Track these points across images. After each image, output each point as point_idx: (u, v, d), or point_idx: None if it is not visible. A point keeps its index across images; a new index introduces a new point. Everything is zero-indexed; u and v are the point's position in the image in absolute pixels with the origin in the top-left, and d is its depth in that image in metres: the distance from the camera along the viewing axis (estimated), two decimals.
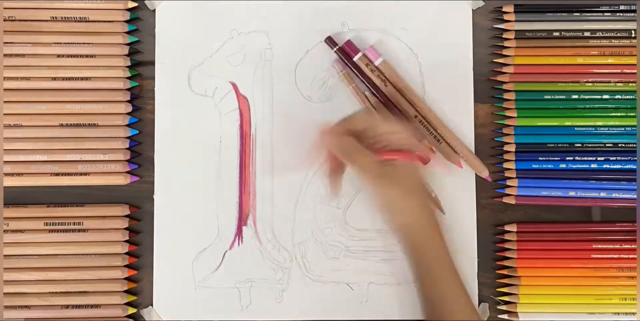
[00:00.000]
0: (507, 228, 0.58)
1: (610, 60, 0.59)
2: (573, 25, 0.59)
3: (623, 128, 0.58)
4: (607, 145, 0.58)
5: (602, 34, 0.59)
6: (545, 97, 0.59)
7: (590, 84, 0.59)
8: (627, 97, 0.59)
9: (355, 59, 0.58)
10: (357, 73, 0.58)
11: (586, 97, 0.59)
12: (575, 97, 0.59)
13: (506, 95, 0.59)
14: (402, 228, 0.50)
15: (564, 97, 0.59)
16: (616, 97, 0.59)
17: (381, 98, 0.58)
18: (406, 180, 0.50)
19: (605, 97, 0.59)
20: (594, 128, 0.58)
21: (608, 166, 0.58)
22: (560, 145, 0.58)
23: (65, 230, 0.57)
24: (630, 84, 0.59)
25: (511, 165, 0.58)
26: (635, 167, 0.58)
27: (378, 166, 0.49)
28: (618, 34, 0.59)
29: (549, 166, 0.58)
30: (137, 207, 0.58)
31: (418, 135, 0.55)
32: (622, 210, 0.58)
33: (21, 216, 0.57)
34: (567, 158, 0.58)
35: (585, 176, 0.58)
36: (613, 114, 0.59)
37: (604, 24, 0.59)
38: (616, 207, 0.58)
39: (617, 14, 0.59)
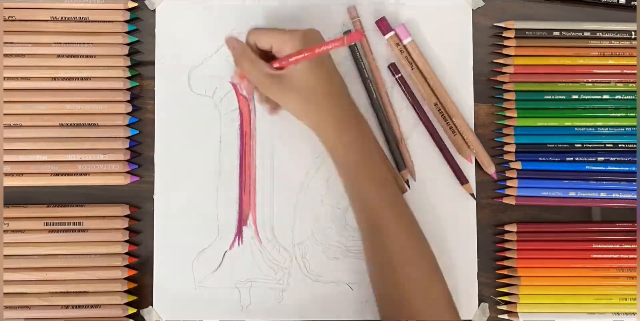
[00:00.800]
0: (507, 228, 0.58)
1: (611, 61, 0.59)
2: (573, 25, 0.59)
3: (623, 129, 0.58)
4: (607, 145, 0.58)
5: (602, 34, 0.59)
6: (545, 97, 0.59)
7: (590, 84, 0.59)
8: (627, 97, 0.59)
9: (386, 37, 0.59)
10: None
11: (586, 97, 0.59)
12: (575, 97, 0.59)
13: (506, 95, 0.59)
14: (315, 130, 0.53)
15: (564, 97, 0.59)
16: (616, 97, 0.59)
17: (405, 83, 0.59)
18: (299, 85, 0.51)
19: (605, 97, 0.59)
20: (594, 129, 0.58)
21: (608, 167, 0.58)
22: (560, 145, 0.58)
23: (65, 230, 0.57)
24: (630, 84, 0.59)
25: (511, 165, 0.58)
26: (635, 167, 0.58)
27: (269, 75, 0.51)
28: (618, 35, 0.59)
29: (549, 166, 0.58)
30: (137, 207, 0.58)
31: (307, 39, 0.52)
32: (622, 210, 0.59)
33: (21, 216, 0.57)
34: (567, 158, 0.58)
35: (585, 176, 0.58)
36: (613, 114, 0.59)
37: (604, 24, 0.59)
38: (616, 207, 0.58)
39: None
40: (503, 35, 0.59)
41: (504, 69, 0.59)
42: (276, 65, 0.52)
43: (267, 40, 0.52)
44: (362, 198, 0.52)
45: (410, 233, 0.52)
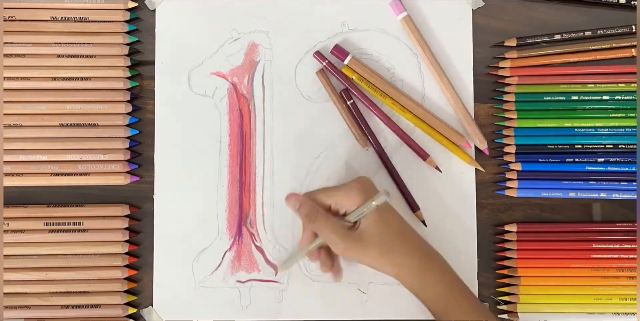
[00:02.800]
0: (507, 228, 0.58)
1: (611, 62, 0.59)
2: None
3: (623, 129, 0.58)
4: (607, 146, 0.58)
5: (604, 31, 0.59)
6: (545, 98, 0.59)
7: (590, 85, 0.59)
8: (627, 97, 0.59)
9: (345, 62, 0.58)
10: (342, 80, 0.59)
11: (586, 98, 0.59)
12: (575, 98, 0.59)
13: (506, 97, 0.59)
14: (398, 277, 0.52)
15: (563, 98, 0.59)
16: (616, 97, 0.59)
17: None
18: (374, 236, 0.51)
19: (605, 97, 0.59)
20: (593, 129, 0.58)
21: (608, 167, 0.58)
22: (560, 146, 0.58)
23: (65, 230, 0.57)
24: (631, 85, 0.59)
25: (511, 167, 0.58)
26: (635, 167, 0.58)
27: (342, 228, 0.51)
28: (618, 30, 0.59)
29: (549, 167, 0.58)
30: (137, 207, 0.58)
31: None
32: (622, 210, 0.58)
33: (21, 216, 0.57)
34: (567, 159, 0.58)
35: (585, 177, 0.58)
36: (613, 115, 0.58)
37: (604, 23, 0.59)
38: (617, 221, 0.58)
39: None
40: (505, 44, 0.60)
41: (503, 72, 0.59)
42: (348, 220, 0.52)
43: (325, 200, 0.52)
44: None
45: None
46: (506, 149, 0.59)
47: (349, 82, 0.58)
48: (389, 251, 0.51)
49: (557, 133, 0.58)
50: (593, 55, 0.59)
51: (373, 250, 0.51)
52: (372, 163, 0.59)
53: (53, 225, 0.57)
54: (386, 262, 0.51)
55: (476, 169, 0.59)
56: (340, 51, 0.58)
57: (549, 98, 0.59)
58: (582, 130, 0.58)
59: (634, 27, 0.59)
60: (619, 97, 0.59)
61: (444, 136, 0.58)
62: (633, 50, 0.59)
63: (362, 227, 0.51)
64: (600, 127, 0.58)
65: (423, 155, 0.58)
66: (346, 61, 0.58)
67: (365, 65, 0.58)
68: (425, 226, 0.58)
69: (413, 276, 0.51)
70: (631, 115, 0.58)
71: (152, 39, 0.59)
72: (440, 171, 0.58)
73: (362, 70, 0.58)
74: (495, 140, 0.59)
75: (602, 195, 0.58)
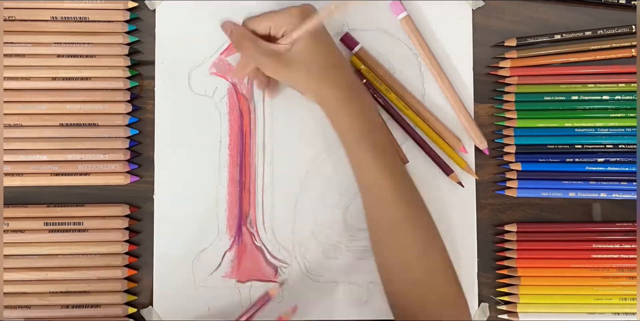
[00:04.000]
0: (507, 228, 0.58)
1: (611, 62, 0.59)
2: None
3: (623, 129, 0.58)
4: (607, 146, 0.58)
5: (604, 31, 0.59)
6: (545, 98, 0.59)
7: (590, 85, 0.59)
8: (627, 97, 0.58)
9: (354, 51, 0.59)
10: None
11: (586, 98, 0.59)
12: (575, 98, 0.59)
13: (506, 97, 0.59)
14: (319, 102, 0.53)
15: (563, 98, 0.59)
16: (616, 97, 0.59)
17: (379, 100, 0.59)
18: (302, 62, 0.52)
19: (605, 97, 0.59)
20: (594, 129, 0.58)
21: (608, 167, 0.58)
22: (560, 146, 0.58)
23: (65, 230, 0.57)
24: (631, 85, 0.58)
25: (511, 167, 0.58)
26: (635, 167, 0.58)
27: (271, 53, 0.52)
28: (618, 30, 0.59)
29: (549, 167, 0.58)
30: (137, 207, 0.58)
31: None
32: (622, 209, 0.58)
33: (21, 216, 0.57)
34: (567, 159, 0.58)
35: (585, 177, 0.58)
36: (613, 115, 0.58)
37: (604, 23, 0.59)
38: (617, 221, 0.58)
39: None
40: (505, 44, 0.60)
41: (504, 72, 0.59)
42: (282, 42, 0.52)
43: (264, 23, 0.53)
44: (363, 167, 0.52)
45: (409, 202, 0.52)
46: (506, 149, 0.59)
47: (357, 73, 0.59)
48: (314, 78, 0.52)
49: (557, 133, 0.58)
50: (593, 55, 0.59)
51: (299, 74, 0.52)
52: None
53: (53, 225, 0.57)
54: (310, 88, 0.53)
55: (476, 169, 0.59)
56: (350, 40, 0.59)
57: (549, 98, 0.59)
58: (582, 130, 0.58)
59: (633, 27, 0.59)
60: (619, 97, 0.58)
61: (442, 138, 0.58)
62: (633, 50, 0.59)
63: (293, 50, 0.52)
64: (601, 127, 0.58)
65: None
66: (355, 50, 0.58)
67: (374, 58, 0.59)
68: (463, 187, 0.58)
69: (331, 103, 0.52)
70: (631, 115, 0.58)
71: (152, 39, 0.59)
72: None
73: (370, 61, 0.59)
74: (495, 140, 0.59)
75: (602, 195, 0.58)
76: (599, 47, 0.59)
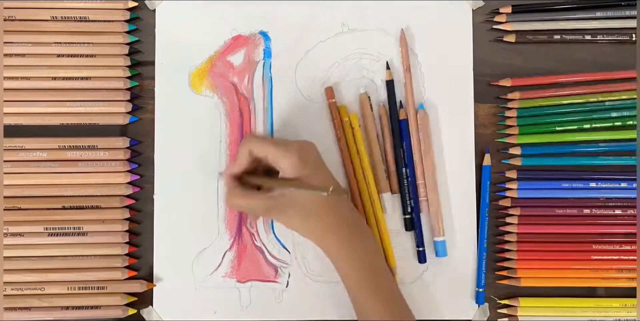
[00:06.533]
0: (507, 229, 0.58)
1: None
2: (573, 24, 0.59)
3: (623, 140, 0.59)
4: (607, 146, 0.58)
5: (603, 37, 0.59)
6: (547, 112, 0.59)
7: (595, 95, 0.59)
8: (628, 101, 0.58)
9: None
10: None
11: (587, 99, 0.59)
12: (576, 99, 0.59)
13: (508, 113, 0.59)
14: (319, 244, 0.53)
15: (565, 102, 0.58)
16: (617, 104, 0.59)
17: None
18: (296, 205, 0.51)
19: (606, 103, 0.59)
20: (595, 144, 0.59)
21: (608, 167, 0.58)
22: (560, 146, 0.58)
23: (65, 233, 0.57)
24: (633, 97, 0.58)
25: (510, 162, 0.58)
26: (635, 168, 0.58)
27: (262, 203, 0.51)
28: (618, 37, 0.59)
29: (549, 168, 0.58)
30: (137, 209, 0.58)
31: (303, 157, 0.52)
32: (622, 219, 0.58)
33: (20, 220, 0.57)
34: (567, 160, 0.58)
35: (585, 177, 0.58)
36: (613, 115, 0.58)
37: (603, 22, 0.59)
38: (617, 222, 0.58)
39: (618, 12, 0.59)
40: (504, 39, 0.59)
41: (503, 82, 0.59)
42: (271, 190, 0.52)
43: (263, 151, 0.52)
44: (366, 312, 0.52)
45: None
46: (511, 151, 0.59)
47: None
48: (312, 221, 0.52)
49: (558, 149, 0.59)
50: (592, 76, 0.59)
51: (294, 214, 0.52)
52: None
53: (53, 229, 0.57)
54: (308, 230, 0.52)
55: (476, 169, 0.59)
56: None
57: (551, 111, 0.59)
58: (584, 145, 0.59)
59: (634, 35, 0.59)
60: (620, 102, 0.58)
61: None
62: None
63: (288, 195, 0.51)
64: (603, 141, 0.59)
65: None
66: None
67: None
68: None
69: (331, 247, 0.52)
70: (630, 122, 0.58)
71: (152, 39, 0.59)
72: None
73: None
74: (497, 140, 0.59)
75: (603, 195, 0.58)
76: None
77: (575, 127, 0.58)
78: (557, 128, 0.58)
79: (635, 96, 0.58)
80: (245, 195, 0.52)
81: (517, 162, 0.58)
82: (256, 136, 0.56)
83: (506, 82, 0.59)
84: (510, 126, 0.59)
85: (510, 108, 0.59)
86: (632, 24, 0.59)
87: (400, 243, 0.58)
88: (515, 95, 0.59)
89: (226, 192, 0.54)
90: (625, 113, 0.58)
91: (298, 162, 0.51)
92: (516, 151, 0.58)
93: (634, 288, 0.57)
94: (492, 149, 0.59)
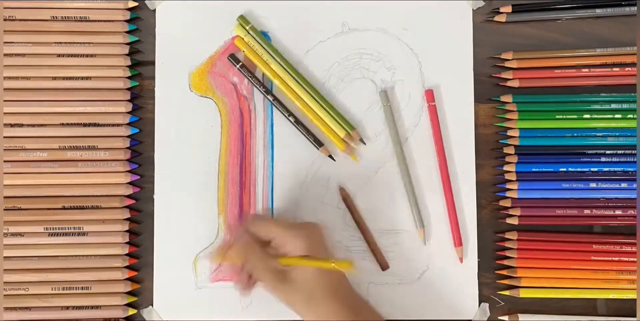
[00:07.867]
0: (507, 229, 0.58)
1: (612, 61, 0.59)
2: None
3: (623, 131, 0.58)
4: (607, 152, 0.58)
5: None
6: (546, 100, 0.59)
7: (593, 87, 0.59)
8: (628, 99, 0.58)
9: None
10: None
11: (587, 98, 0.59)
12: (577, 99, 0.59)
13: (506, 98, 0.59)
14: None
15: (565, 99, 0.59)
16: (617, 99, 0.58)
17: None
18: (304, 285, 0.50)
19: (607, 99, 0.59)
20: (594, 131, 0.58)
21: (608, 167, 0.58)
22: (560, 146, 0.58)
23: (65, 233, 0.57)
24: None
25: (511, 168, 0.58)
26: (635, 167, 0.58)
27: (275, 271, 0.50)
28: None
29: (550, 169, 0.58)
30: (137, 210, 0.58)
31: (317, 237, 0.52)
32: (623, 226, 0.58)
33: (20, 220, 0.57)
34: (568, 160, 0.58)
35: (585, 177, 0.58)
36: (614, 116, 0.58)
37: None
38: (617, 223, 0.58)
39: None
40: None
41: (505, 74, 0.59)
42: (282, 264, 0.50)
43: (269, 233, 0.51)
44: None
45: None
46: (506, 150, 0.58)
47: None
48: (315, 302, 0.50)
49: (557, 135, 0.58)
50: (598, 59, 0.59)
51: (299, 297, 0.50)
52: (373, 162, 0.59)
53: (53, 229, 0.57)
54: (310, 311, 0.50)
55: (476, 169, 0.59)
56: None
57: (551, 100, 0.59)
58: (583, 131, 0.58)
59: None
60: (620, 99, 0.58)
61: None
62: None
63: (296, 272, 0.50)
64: (601, 129, 0.58)
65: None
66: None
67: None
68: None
69: None
70: (630, 116, 0.58)
71: (152, 39, 0.59)
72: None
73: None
74: (500, 141, 0.59)
75: (603, 195, 0.58)
76: (603, 53, 0.59)
77: (575, 116, 0.58)
78: (557, 117, 0.58)
79: (635, 96, 0.58)
80: (264, 255, 0.51)
81: (515, 141, 0.58)
82: (260, 217, 0.55)
83: (507, 55, 0.59)
84: (510, 111, 0.59)
85: (509, 87, 0.59)
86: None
87: (400, 242, 0.58)
88: (515, 82, 0.59)
89: (242, 243, 0.52)
90: (625, 106, 0.58)
91: (306, 247, 0.50)
92: (514, 133, 0.58)
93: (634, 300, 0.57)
94: (492, 147, 0.59)
